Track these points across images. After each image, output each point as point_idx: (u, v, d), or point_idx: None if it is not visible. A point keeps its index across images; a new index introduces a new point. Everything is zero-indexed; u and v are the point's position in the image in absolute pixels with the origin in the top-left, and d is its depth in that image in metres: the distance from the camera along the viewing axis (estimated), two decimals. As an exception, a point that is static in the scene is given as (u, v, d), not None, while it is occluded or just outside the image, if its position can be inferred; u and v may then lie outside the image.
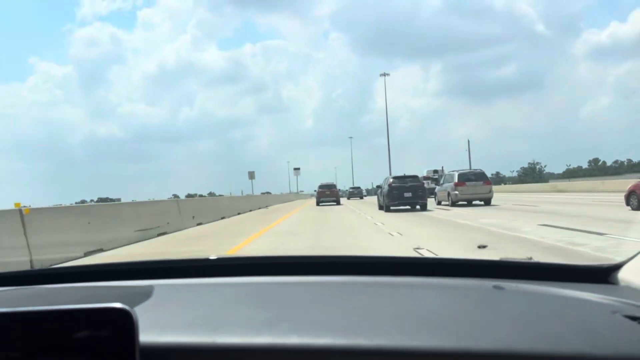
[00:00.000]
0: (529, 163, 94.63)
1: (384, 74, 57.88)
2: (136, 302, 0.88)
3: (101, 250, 9.36)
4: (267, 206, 30.57)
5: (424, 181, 34.01)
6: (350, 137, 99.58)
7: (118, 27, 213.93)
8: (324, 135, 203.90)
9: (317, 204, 31.42)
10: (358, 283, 1.07)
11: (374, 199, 49.94)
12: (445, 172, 36.51)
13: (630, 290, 0.98)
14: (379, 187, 24.04)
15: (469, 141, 60.22)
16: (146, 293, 0.96)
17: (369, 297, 0.95)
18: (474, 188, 20.78)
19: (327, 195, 31.82)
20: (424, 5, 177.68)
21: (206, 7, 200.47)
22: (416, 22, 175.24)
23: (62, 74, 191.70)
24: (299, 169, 69.36)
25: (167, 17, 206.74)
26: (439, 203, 22.97)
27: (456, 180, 21.12)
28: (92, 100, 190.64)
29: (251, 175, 39.16)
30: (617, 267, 1.07)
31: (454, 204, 20.85)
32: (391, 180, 20.48)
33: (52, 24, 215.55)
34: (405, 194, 19.82)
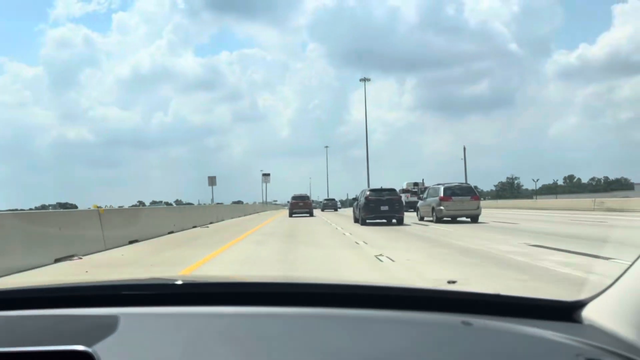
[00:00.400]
0: (507, 178, 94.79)
1: (364, 79, 56.19)
2: (98, 338, 0.82)
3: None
4: (209, 223, 21.22)
5: (403, 194, 33.93)
6: (326, 147, 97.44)
7: (92, 29, 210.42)
8: (299, 145, 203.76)
9: (290, 215, 30.91)
10: (328, 316, 1.04)
11: (348, 211, 49.29)
12: (428, 185, 34.57)
13: (593, 330, 0.97)
14: (354, 199, 22.94)
15: (465, 148, 57.50)
16: (109, 326, 0.89)
17: (338, 333, 0.94)
18: (461, 204, 19.06)
19: (301, 206, 31.44)
20: (401, 20, 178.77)
21: (183, 13, 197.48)
22: (393, 37, 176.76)
23: (32, 74, 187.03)
24: (268, 174, 60.77)
25: (143, 20, 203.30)
26: (421, 219, 21.02)
27: (442, 194, 19.30)
28: (62, 103, 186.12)
29: (212, 181, 32.76)
30: (582, 304, 1.06)
31: (438, 220, 19.06)
32: (368, 192, 19.49)
33: (23, 25, 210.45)
34: (382, 208, 18.86)
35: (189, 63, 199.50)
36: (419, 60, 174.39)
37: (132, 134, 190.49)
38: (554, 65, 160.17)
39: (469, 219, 19.06)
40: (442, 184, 19.93)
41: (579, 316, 1.04)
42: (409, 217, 21.50)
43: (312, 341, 0.91)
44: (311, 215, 31.39)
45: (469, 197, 19.25)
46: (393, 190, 19.93)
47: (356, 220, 21.16)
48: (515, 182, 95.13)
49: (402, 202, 19.56)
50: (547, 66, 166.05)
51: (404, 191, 36.21)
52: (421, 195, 23.01)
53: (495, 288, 1.21)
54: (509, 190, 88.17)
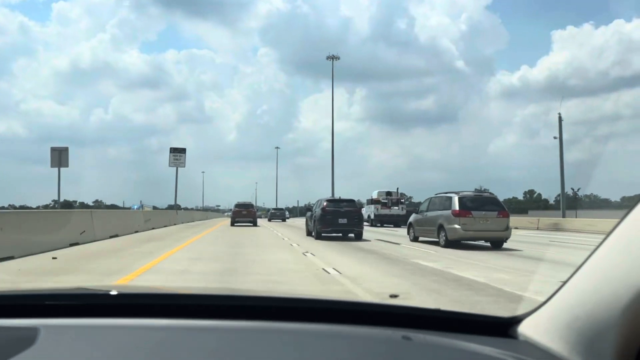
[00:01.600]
0: (475, 189, 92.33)
1: (332, 57, 48.07)
2: (18, 350, 0.78)
3: None
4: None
5: (372, 205, 32.30)
6: (277, 148, 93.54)
7: (29, 17, 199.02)
8: (246, 150, 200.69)
9: (232, 224, 29.12)
10: (266, 330, 1.01)
11: (297, 222, 47.66)
12: (403, 194, 33.02)
13: (528, 346, 0.99)
14: (308, 209, 20.95)
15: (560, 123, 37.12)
16: (28, 339, 0.83)
17: (276, 347, 0.92)
18: (484, 222, 13.06)
19: (244, 215, 29.72)
20: (354, 31, 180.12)
21: (129, 7, 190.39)
22: (345, 47, 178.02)
23: None
24: (182, 151, 37.94)
25: (86, 12, 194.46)
26: (415, 239, 15.58)
27: (456, 207, 13.34)
28: None
29: (58, 157, 18.40)
30: (518, 320, 1.07)
31: (449, 244, 13.24)
32: (325, 203, 17.56)
33: None
34: (339, 220, 17.01)
35: (133, 60, 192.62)
36: (370, 72, 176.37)
37: (69, 131, 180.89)
38: (496, 84, 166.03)
39: (487, 243, 13.68)
40: (456, 193, 13.99)
41: (515, 332, 1.06)
42: (389, 234, 19.62)
43: (249, 355, 0.89)
44: (255, 224, 29.70)
45: (495, 213, 13.30)
46: (352, 201, 18.16)
47: (309, 234, 19.24)
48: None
49: (361, 215, 17.81)
50: (490, 85, 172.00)
51: (373, 202, 32.58)
52: (415, 209, 17.78)
53: (438, 303, 1.83)
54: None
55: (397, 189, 34.74)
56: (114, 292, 1.12)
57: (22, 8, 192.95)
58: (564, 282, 0.98)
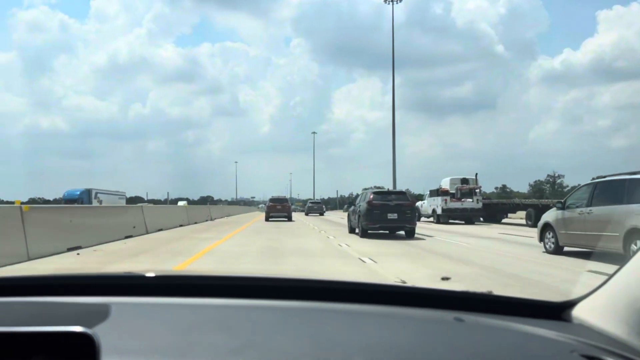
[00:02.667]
0: (548, 175, 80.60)
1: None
2: (94, 323, 0.84)
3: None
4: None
5: (439, 198, 26.06)
6: (314, 133, 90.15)
7: (69, 15, 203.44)
8: (280, 142, 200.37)
9: (267, 219, 28.16)
10: (322, 310, 1.05)
11: (335, 216, 45.63)
12: (479, 182, 26.41)
13: (583, 329, 0.99)
14: (351, 203, 18.71)
15: None
16: (103, 312, 0.91)
17: (333, 325, 0.95)
18: None
19: (278, 209, 28.72)
20: (387, 18, 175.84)
21: (164, 0, 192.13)
22: (378, 34, 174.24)
23: (4, 60, 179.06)
24: None
25: (122, 7, 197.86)
26: (557, 250, 10.17)
27: None
28: (35, 90, 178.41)
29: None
30: (572, 304, 1.07)
31: None
32: (372, 196, 15.32)
33: None
34: (389, 215, 14.81)
35: (169, 54, 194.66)
36: (404, 59, 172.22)
37: (108, 125, 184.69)
38: (537, 69, 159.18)
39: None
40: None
41: (569, 315, 1.05)
42: (450, 231, 17.11)
43: (305, 330, 0.92)
44: (290, 219, 28.64)
45: None
46: (402, 193, 15.91)
47: (352, 230, 17.12)
48: (558, 181, 76.93)
49: (414, 209, 15.53)
50: (531, 70, 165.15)
51: (440, 193, 26.14)
52: (556, 203, 11.43)
53: (489, 287, 1.30)
54: (551, 191, 72.53)
55: (476, 175, 27.23)
56: (168, 274, 1.24)
57: (61, 6, 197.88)
58: (622, 265, 1.00)
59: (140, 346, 0.80)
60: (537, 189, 77.32)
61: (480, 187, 27.16)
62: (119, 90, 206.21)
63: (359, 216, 15.53)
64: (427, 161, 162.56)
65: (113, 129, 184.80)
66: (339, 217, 37.50)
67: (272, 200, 30.05)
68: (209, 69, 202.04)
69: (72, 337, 0.59)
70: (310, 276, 1.27)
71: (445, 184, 27.27)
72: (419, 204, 27.03)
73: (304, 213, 48.55)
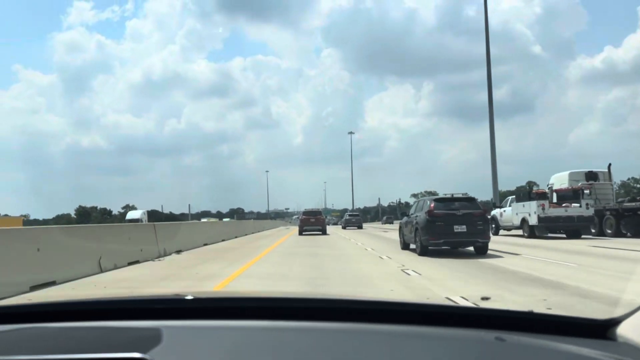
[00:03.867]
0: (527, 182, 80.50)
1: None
2: (148, 348, 0.87)
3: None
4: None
5: (531, 203, 19.63)
6: (351, 133, 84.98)
7: (106, 36, 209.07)
8: (313, 153, 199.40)
9: (300, 233, 27.11)
10: (362, 332, 1.05)
11: (375, 229, 42.91)
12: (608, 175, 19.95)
13: (629, 348, 0.96)
14: (403, 213, 15.77)
15: None
16: (156, 337, 0.94)
17: (372, 349, 0.94)
18: None
19: (312, 222, 27.78)
20: (419, 23, 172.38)
21: (195, 16, 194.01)
22: (410, 40, 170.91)
23: (46, 82, 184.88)
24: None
25: (156, 26, 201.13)
26: None
27: None
28: (75, 110, 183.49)
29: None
30: (616, 322, 1.04)
31: None
32: (433, 204, 12.49)
33: (37, 32, 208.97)
34: (455, 228, 11.97)
35: (201, 68, 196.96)
36: (437, 64, 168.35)
37: (145, 141, 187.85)
38: (577, 69, 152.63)
39: None
40: None
41: (613, 334, 1.02)
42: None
43: (346, 355, 0.93)
44: (324, 233, 27.21)
45: None
46: (471, 200, 12.94)
47: (405, 246, 14.34)
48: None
49: (487, 219, 12.60)
50: (570, 70, 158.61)
51: (537, 196, 19.78)
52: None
53: (529, 306, 1.31)
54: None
55: (609, 166, 21.17)
56: (211, 297, 1.31)
57: (98, 27, 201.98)
58: None
59: None
60: (628, 189, 67.97)
61: (613, 183, 21.03)
62: (154, 106, 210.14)
63: (416, 229, 12.73)
64: (463, 167, 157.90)
65: (150, 145, 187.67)
66: (381, 230, 34.57)
67: (306, 213, 29.10)
68: (242, 83, 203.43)
69: None
70: (351, 296, 1.36)
71: (559, 180, 20.77)
72: (496, 212, 22.74)
73: (340, 226, 45.64)
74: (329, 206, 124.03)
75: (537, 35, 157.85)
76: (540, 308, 4.53)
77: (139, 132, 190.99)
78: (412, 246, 13.98)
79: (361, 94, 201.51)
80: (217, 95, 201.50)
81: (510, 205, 21.54)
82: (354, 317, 1.09)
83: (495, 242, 14.31)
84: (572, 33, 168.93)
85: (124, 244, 11.60)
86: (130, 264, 11.19)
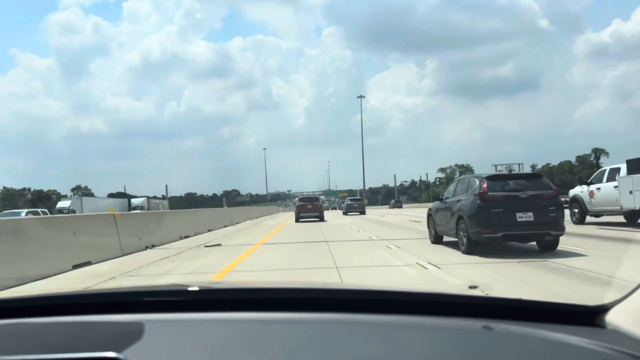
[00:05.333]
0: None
1: None
2: (127, 344, 0.85)
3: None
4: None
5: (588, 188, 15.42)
6: (361, 96, 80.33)
7: (102, 17, 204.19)
8: (315, 134, 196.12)
9: (297, 220, 26.19)
10: (351, 322, 1.04)
11: (380, 214, 39.08)
12: None
13: (618, 335, 0.95)
14: (437, 198, 11.84)
15: None
16: (136, 332, 0.92)
17: (361, 339, 0.94)
18: None
19: (309, 209, 27.05)
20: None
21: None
22: (413, 16, 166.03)
23: (44, 66, 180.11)
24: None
25: (154, 6, 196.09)
26: None
27: None
28: (74, 94, 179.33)
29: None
30: (606, 309, 1.03)
31: None
32: (485, 184, 9.04)
33: (33, 14, 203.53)
34: (519, 216, 8.61)
35: (200, 49, 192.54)
36: (441, 41, 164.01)
37: (146, 125, 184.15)
38: (584, 44, 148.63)
39: None
40: None
41: (602, 321, 1.02)
42: None
43: (333, 346, 0.91)
44: (321, 219, 26.24)
45: None
46: (537, 177, 9.51)
47: (438, 240, 11.09)
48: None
49: (561, 203, 9.19)
50: (577, 45, 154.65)
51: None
52: None
53: (518, 293, 1.20)
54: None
55: None
56: (198, 288, 1.21)
57: (95, 9, 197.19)
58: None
59: None
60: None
61: None
62: (154, 89, 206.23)
63: (459, 219, 9.38)
64: (467, 147, 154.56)
65: (150, 129, 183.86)
66: (392, 216, 31.03)
67: (303, 199, 28.61)
68: (242, 63, 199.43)
69: None
70: (335, 286, 1.36)
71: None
72: (580, 192, 15.75)
73: (341, 212, 42.18)
74: (332, 187, 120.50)
75: (545, 9, 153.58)
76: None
77: (139, 115, 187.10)
78: (446, 238, 10.72)
79: (363, 73, 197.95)
80: (216, 76, 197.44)
81: (611, 180, 14.64)
82: (341, 308, 1.09)
83: (580, 236, 10.88)
84: (580, 6, 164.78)
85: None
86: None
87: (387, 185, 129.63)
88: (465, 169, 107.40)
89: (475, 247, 8.99)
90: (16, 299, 1.23)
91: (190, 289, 1.21)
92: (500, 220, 8.67)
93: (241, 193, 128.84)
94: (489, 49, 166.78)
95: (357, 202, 40.03)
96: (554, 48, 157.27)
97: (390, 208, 66.31)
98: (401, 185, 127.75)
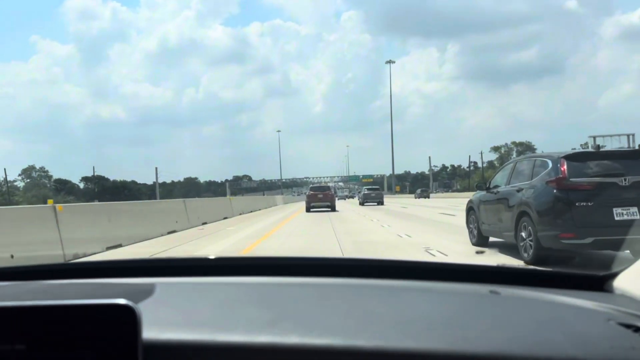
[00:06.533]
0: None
1: None
2: (139, 299, 0.89)
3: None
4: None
5: None
6: (390, 61, 78.26)
7: (121, 3, 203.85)
8: (333, 121, 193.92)
9: (307, 210, 25.44)
10: (359, 286, 1.09)
11: (393, 203, 37.07)
12: None
13: (625, 299, 0.98)
14: (480, 185, 9.00)
15: None
16: (149, 290, 0.97)
17: (368, 299, 0.97)
18: None
19: (320, 199, 26.33)
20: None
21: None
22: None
23: (64, 52, 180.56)
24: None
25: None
26: None
27: None
28: (93, 80, 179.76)
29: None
30: (613, 275, 1.06)
31: None
32: (564, 166, 6.16)
33: (52, 2, 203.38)
34: (616, 212, 5.79)
35: (218, 34, 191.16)
36: (463, 24, 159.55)
37: (164, 112, 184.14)
38: (613, 26, 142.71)
39: None
40: None
41: (610, 286, 1.04)
42: None
43: (341, 304, 0.93)
44: (333, 209, 25.53)
45: None
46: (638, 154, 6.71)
47: (481, 241, 8.43)
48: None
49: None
50: (605, 27, 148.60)
51: None
52: None
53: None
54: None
55: None
56: (212, 257, 1.35)
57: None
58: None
59: (180, 319, 0.84)
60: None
61: None
62: (172, 75, 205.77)
63: (523, 215, 6.59)
64: (486, 133, 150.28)
65: (169, 115, 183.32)
66: (416, 207, 28.05)
67: (313, 189, 28.02)
68: (259, 49, 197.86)
69: (116, 310, 0.64)
70: (347, 256, 2.32)
71: None
72: None
73: (358, 201, 39.34)
74: (352, 173, 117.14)
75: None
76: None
77: (157, 102, 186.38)
78: (492, 239, 8.05)
79: (383, 58, 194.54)
80: (234, 62, 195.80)
81: None
82: (355, 274, 1.15)
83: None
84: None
85: None
86: None
87: (409, 171, 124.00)
88: (526, 148, 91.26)
89: (546, 256, 6.21)
90: (32, 267, 1.28)
91: (205, 256, 1.37)
92: (590, 218, 5.87)
93: (253, 179, 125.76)
94: (513, 32, 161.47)
95: (375, 191, 37.05)
96: (581, 30, 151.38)
97: (416, 198, 58.59)
98: (436, 167, 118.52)
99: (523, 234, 6.62)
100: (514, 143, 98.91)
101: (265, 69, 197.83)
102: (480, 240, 8.51)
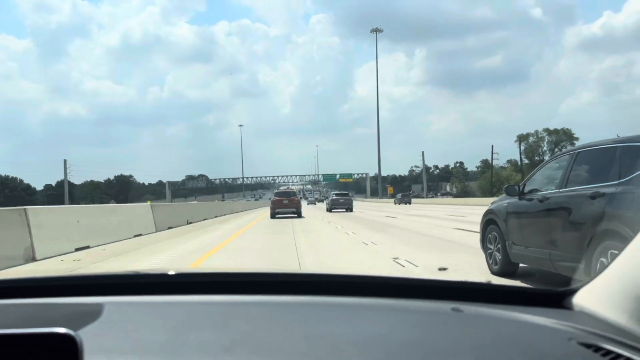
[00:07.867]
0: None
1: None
2: (82, 324, 0.84)
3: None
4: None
5: None
6: (378, 30, 74.24)
7: None
8: (302, 123, 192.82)
9: (272, 217, 24.68)
10: (319, 304, 1.05)
11: (373, 211, 31.53)
12: None
13: (584, 316, 0.98)
14: (511, 189, 6.09)
15: None
16: (94, 313, 0.90)
17: (328, 320, 0.93)
18: None
19: (285, 204, 25.60)
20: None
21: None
22: (403, 1, 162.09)
23: (21, 48, 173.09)
24: None
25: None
26: None
27: None
28: (51, 76, 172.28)
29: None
30: (572, 291, 1.06)
31: None
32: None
33: None
34: None
35: (184, 32, 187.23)
36: (431, 29, 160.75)
37: (127, 110, 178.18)
38: (574, 36, 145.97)
39: None
40: None
41: (570, 303, 1.04)
42: None
43: (298, 325, 0.91)
44: (299, 216, 24.82)
45: None
46: None
47: (507, 267, 5.84)
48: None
49: None
50: (567, 37, 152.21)
51: None
52: None
53: (487, 277, 1.33)
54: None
55: None
56: (171, 272, 1.19)
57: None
58: (620, 254, 0.96)
59: (128, 345, 0.79)
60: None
61: None
62: (135, 73, 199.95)
63: (606, 234, 3.99)
64: (451, 138, 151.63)
65: (132, 114, 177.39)
66: (402, 214, 25.30)
67: (278, 194, 27.17)
68: (227, 48, 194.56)
69: (56, 339, 0.60)
70: (305, 271, 1.24)
71: None
72: None
73: (326, 209, 36.44)
74: (322, 172, 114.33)
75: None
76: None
77: (120, 100, 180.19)
78: (523, 265, 5.58)
79: (351, 62, 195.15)
80: (200, 61, 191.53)
81: None
82: (313, 291, 1.09)
83: None
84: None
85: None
86: None
87: (389, 174, 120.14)
88: (567, 137, 74.38)
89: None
90: None
91: (149, 272, 1.27)
92: None
93: (210, 179, 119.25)
94: (480, 38, 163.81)
95: (344, 197, 34.38)
96: (545, 39, 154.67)
97: (396, 204, 51.95)
98: (417, 168, 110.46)
99: (604, 261, 4.02)
100: (546, 130, 78.52)
101: (232, 69, 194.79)
102: (506, 268, 5.92)
